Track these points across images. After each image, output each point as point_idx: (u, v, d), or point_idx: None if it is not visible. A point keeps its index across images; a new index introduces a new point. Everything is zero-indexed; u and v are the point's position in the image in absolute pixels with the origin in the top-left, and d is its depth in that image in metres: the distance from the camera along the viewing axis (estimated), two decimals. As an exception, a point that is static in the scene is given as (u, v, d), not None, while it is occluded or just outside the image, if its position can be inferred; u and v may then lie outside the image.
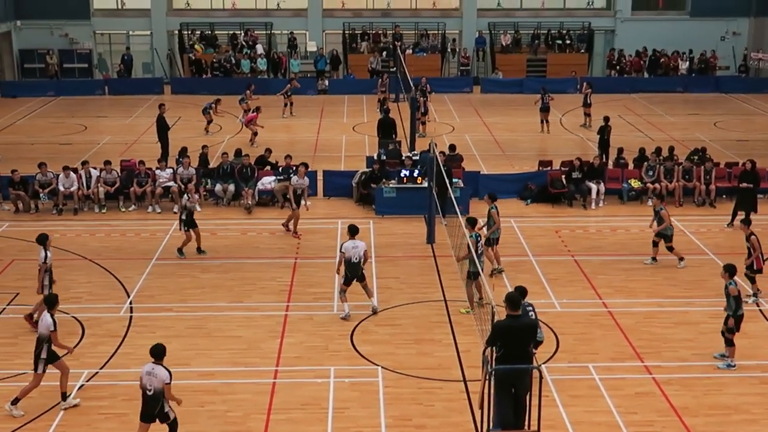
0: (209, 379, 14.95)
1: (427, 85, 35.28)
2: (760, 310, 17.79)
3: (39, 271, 16.42)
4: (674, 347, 16.10)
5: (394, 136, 29.47)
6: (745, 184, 22.88)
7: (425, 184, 22.58)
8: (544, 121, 34.23)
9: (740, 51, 46.94)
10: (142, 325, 17.04)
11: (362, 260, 17.27)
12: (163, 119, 29.44)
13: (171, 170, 24.86)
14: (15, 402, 13.74)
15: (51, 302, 14.14)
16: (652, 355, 15.87)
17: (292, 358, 15.71)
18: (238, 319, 17.32)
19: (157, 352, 12.59)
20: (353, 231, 17.48)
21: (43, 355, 13.68)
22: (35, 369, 13.76)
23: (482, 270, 16.64)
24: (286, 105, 36.96)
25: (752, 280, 18.21)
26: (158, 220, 23.60)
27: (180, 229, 20.61)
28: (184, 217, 20.30)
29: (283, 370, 15.27)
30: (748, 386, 14.76)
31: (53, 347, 13.79)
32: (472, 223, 17.57)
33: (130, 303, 18.09)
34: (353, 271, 17.22)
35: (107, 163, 24.89)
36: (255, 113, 32.81)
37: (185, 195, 20.56)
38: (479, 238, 17.48)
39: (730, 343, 15.34)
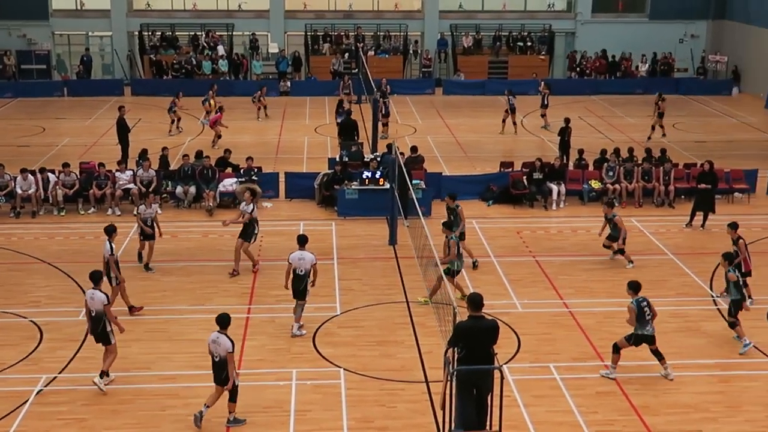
0: (171, 382, 14.84)
1: (388, 87, 35.30)
2: (718, 309, 17.99)
3: None
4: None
5: (356, 137, 29.45)
6: (703, 185, 23.14)
7: (387, 186, 22.60)
8: (512, 123, 34.31)
9: (698, 53, 47.49)
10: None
11: (308, 273, 16.35)
12: (124, 121, 29.17)
13: (131, 172, 24.64)
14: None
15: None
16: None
17: (254, 361, 15.63)
18: (200, 322, 17.18)
19: (222, 322, 13.55)
20: (301, 241, 16.65)
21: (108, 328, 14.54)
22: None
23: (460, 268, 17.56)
24: (259, 108, 36.80)
25: (744, 284, 17.57)
26: (118, 222, 23.17)
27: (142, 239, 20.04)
28: (148, 224, 19.72)
29: (245, 372, 15.17)
30: (708, 385, 14.94)
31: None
32: (448, 226, 17.78)
33: (90, 306, 17.85)
34: (296, 285, 16.37)
35: (66, 165, 24.61)
36: (219, 113, 32.70)
37: (141, 205, 20.14)
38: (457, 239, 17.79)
39: (733, 326, 16.31)
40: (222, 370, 13.37)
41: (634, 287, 15.03)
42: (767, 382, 15.07)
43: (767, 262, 20.65)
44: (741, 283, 16.50)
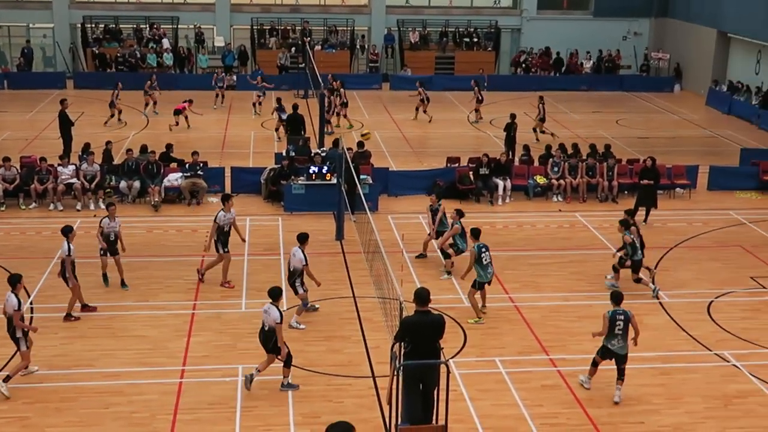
0: (114, 380, 14.66)
1: (336, 82, 35.26)
2: (660, 303, 18.29)
3: None
4: (579, 340, 16.43)
5: (302, 132, 29.33)
6: (645, 181, 23.47)
7: (334, 181, 22.57)
8: (477, 111, 34.79)
9: (641, 50, 48.17)
10: (44, 326, 16.53)
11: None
12: (66, 115, 28.70)
13: (74, 167, 24.27)
14: None
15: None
16: (557, 348, 16.19)
17: (199, 357, 15.52)
18: (144, 319, 17.03)
19: (273, 294, 14.32)
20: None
21: None
22: None
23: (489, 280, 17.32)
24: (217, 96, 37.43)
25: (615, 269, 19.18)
26: (60, 218, 22.98)
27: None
28: (111, 238, 18.43)
29: (190, 369, 15.08)
30: (650, 377, 15.18)
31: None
32: (476, 234, 17.63)
33: (31, 303, 17.60)
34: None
35: (6, 159, 24.12)
36: (186, 103, 33.55)
37: (105, 218, 18.59)
38: (488, 248, 17.45)
39: (639, 281, 18.30)
40: (269, 340, 14.20)
41: (615, 298, 14.38)
42: (706, 374, 15.36)
43: (708, 257, 21.08)
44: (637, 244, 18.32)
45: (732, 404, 14.39)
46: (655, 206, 23.53)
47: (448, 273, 19.45)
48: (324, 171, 23.91)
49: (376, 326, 16.64)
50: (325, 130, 30.80)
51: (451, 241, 19.40)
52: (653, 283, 18.78)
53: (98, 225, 18.51)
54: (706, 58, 43.63)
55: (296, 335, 16.40)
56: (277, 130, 32.65)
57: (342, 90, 34.87)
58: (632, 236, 18.45)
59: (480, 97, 35.75)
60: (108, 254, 18.43)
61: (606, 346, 14.26)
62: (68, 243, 16.78)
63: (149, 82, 35.57)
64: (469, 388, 14.58)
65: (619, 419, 13.79)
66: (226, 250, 18.55)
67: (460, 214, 19.45)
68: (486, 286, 17.49)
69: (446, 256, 19.50)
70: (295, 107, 30.19)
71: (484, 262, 17.18)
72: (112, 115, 33.84)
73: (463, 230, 19.13)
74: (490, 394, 14.49)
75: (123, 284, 18.56)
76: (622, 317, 14.11)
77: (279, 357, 14.28)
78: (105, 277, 18.65)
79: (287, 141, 27.74)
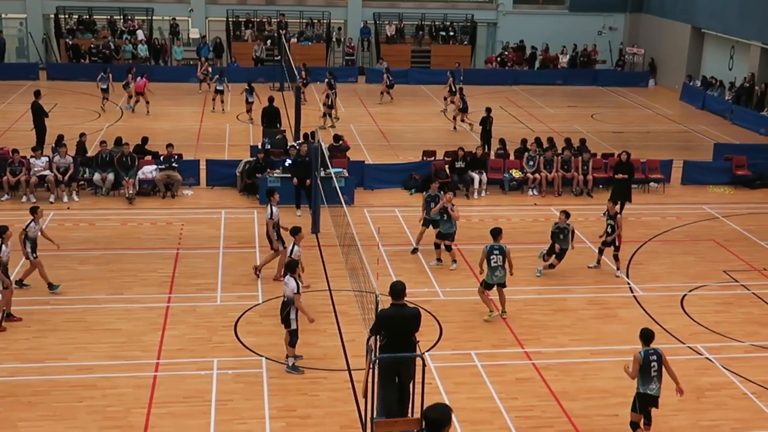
0: (88, 373, 14.55)
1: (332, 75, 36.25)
2: (635, 297, 18.41)
3: None
4: (553, 334, 16.52)
5: (278, 125, 29.23)
6: (620, 175, 23.58)
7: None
8: (446, 99, 35.09)
9: (616, 46, 48.40)
10: (16, 320, 16.42)
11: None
12: (40, 106, 28.44)
13: (47, 159, 24.04)
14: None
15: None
16: (532, 341, 16.25)
17: (174, 351, 15.44)
18: (118, 312, 16.92)
19: (289, 266, 14.66)
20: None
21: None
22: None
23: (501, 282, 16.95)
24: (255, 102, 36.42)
25: (615, 258, 19.58)
26: (33, 210, 22.81)
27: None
28: (28, 248, 17.50)
29: (165, 362, 14.99)
30: (622, 370, 15.22)
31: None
32: (493, 234, 17.21)
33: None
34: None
35: (-22, 151, 23.90)
36: (145, 80, 34.27)
37: (31, 222, 17.69)
38: (502, 250, 16.92)
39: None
40: (283, 309, 14.48)
41: (645, 337, 12.62)
42: (678, 367, 15.16)
43: (681, 251, 21.22)
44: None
45: (705, 396, 14.51)
46: (629, 200, 23.65)
47: (454, 261, 19.68)
48: (287, 165, 23.87)
49: (352, 319, 16.63)
50: (329, 123, 32.05)
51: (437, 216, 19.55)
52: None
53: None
54: (681, 53, 43.93)
55: (271, 329, 16.35)
56: (248, 111, 33.28)
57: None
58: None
59: (453, 89, 35.82)
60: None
61: (644, 393, 12.59)
62: (2, 243, 16.24)
63: (129, 75, 35.10)
64: (445, 381, 14.60)
65: (594, 412, 13.87)
66: (284, 245, 18.12)
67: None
68: (500, 289, 17.02)
69: (448, 248, 19.57)
70: (271, 99, 30.08)
71: (492, 264, 16.77)
72: (130, 96, 34.71)
73: (449, 215, 19.32)
74: (465, 387, 14.52)
75: (51, 286, 17.67)
76: (655, 357, 12.45)
77: (287, 329, 14.48)
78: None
79: (263, 134, 27.62)
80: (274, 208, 18.25)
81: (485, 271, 16.99)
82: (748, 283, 19.35)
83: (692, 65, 43.30)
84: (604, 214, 19.89)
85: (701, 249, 21.33)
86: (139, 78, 34.76)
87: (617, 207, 19.47)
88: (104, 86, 34.60)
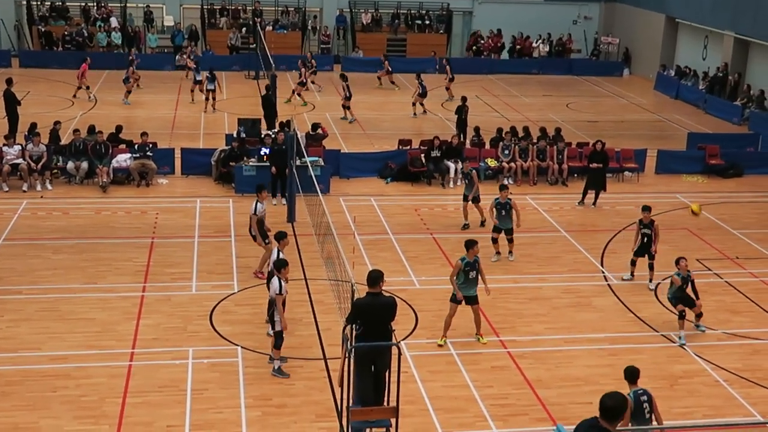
0: (62, 363, 14.47)
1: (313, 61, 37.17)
2: (609, 285, 18.53)
3: None
4: (528, 322, 16.60)
5: (275, 114, 28.69)
6: (595, 164, 23.69)
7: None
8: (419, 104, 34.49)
9: (591, 35, 48.54)
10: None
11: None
12: (12, 94, 28.13)
13: (20, 147, 23.81)
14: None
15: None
16: (507, 330, 16.32)
17: (149, 340, 15.38)
18: (93, 301, 16.82)
19: (276, 265, 14.41)
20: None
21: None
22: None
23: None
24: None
25: (650, 267, 18.31)
26: (6, 198, 22.61)
27: None
28: None
29: (140, 352, 14.94)
30: (597, 358, 15.38)
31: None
32: (466, 246, 15.64)
33: (-24, 286, 17.29)
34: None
35: (-50, 139, 23.62)
36: (85, 63, 34.06)
37: None
38: (474, 263, 15.59)
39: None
40: (269, 309, 14.57)
41: (631, 375, 11.70)
42: (652, 354, 15.60)
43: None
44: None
45: (678, 384, 14.65)
46: (604, 189, 23.78)
47: (509, 252, 19.73)
48: (261, 153, 23.81)
49: (328, 308, 16.62)
50: (346, 117, 32.21)
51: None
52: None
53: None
54: (655, 43, 44.14)
55: (246, 318, 16.33)
56: (192, 91, 33.15)
57: (304, 70, 35.54)
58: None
59: (451, 77, 36.07)
60: None
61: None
62: None
63: (130, 68, 34.24)
64: (421, 369, 14.65)
65: (568, 400, 13.96)
66: (267, 241, 17.86)
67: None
68: (474, 307, 15.64)
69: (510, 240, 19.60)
70: (268, 88, 29.34)
71: (470, 278, 15.56)
72: (129, 91, 33.70)
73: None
74: (440, 375, 14.57)
75: None
76: (645, 398, 11.49)
77: (272, 329, 14.41)
78: None
79: (238, 122, 27.48)
80: (260, 205, 17.88)
81: (456, 286, 15.55)
82: (721, 272, 19.52)
83: (666, 55, 43.52)
84: (639, 223, 18.49)
85: (675, 238, 21.48)
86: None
87: (650, 215, 18.34)
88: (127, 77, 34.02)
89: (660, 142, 30.31)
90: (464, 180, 22.02)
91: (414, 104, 33.82)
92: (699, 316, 16.51)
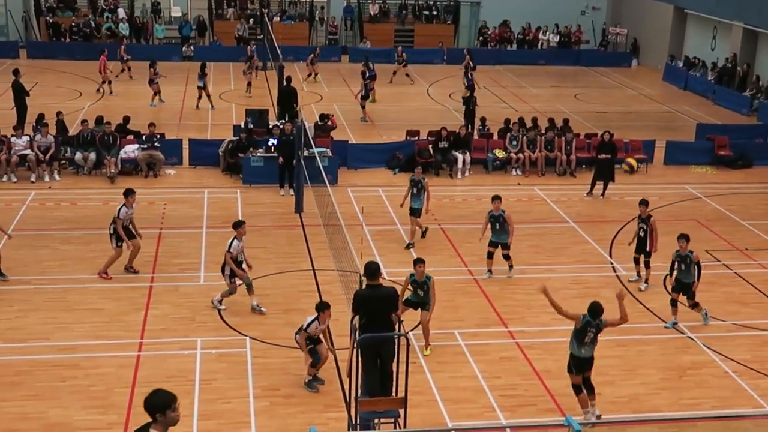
0: (70, 353, 14.50)
1: (403, 54, 38.01)
2: (617, 276, 18.48)
3: None
4: (536, 313, 16.56)
5: (295, 105, 28.20)
6: (603, 155, 23.63)
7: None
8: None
9: (600, 26, 48.35)
10: (-2, 299, 16.37)
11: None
12: (21, 84, 28.16)
13: (28, 138, 23.83)
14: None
15: None
16: (515, 320, 16.30)
17: (157, 330, 15.40)
18: (101, 292, 16.85)
19: (234, 225, 15.98)
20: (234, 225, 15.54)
21: None
22: None
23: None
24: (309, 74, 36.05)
25: (646, 265, 17.92)
26: (14, 189, 22.66)
27: None
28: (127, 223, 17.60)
29: (148, 342, 14.96)
30: (606, 349, 15.30)
31: None
32: (423, 262, 14.94)
33: (-15, 276, 17.31)
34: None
35: (-43, 129, 23.63)
36: (103, 56, 33.71)
37: (124, 208, 17.44)
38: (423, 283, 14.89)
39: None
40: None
41: (594, 312, 12.83)
42: (660, 346, 15.58)
43: (663, 230, 21.16)
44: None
45: (686, 375, 14.62)
46: (612, 180, 23.72)
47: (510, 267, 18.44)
48: (269, 144, 23.78)
49: (336, 299, 16.55)
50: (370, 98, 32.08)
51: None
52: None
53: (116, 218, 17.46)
54: (663, 33, 43.94)
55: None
56: (200, 95, 32.19)
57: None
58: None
59: (472, 65, 35.86)
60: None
61: (572, 353, 13.00)
62: None
63: (152, 69, 32.99)
64: (428, 360, 14.64)
65: (576, 390, 13.92)
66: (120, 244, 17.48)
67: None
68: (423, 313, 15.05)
69: (506, 257, 18.18)
70: (288, 80, 29.26)
71: (417, 293, 14.97)
72: (155, 93, 32.57)
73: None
74: (449, 366, 14.56)
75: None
76: (594, 330, 12.82)
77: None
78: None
79: (245, 113, 27.45)
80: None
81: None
82: (730, 263, 19.47)
83: (675, 45, 43.34)
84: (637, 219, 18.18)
85: (683, 229, 21.22)
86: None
87: (648, 209, 17.88)
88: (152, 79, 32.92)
89: (668, 133, 30.20)
90: (412, 189, 19.50)
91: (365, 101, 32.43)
92: (694, 306, 16.21)
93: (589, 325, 12.77)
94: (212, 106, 32.05)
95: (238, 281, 16.14)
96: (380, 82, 34.89)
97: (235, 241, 16.01)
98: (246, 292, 16.25)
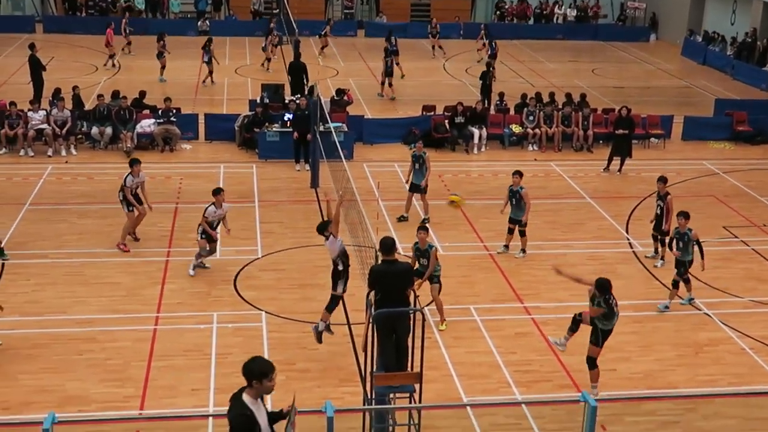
0: (87, 326, 14.58)
1: (437, 26, 38.74)
2: (634, 252, 18.40)
3: None
4: (552, 288, 16.51)
5: (305, 80, 28.34)
6: (620, 130, 23.48)
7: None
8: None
9: (618, 0, 47.93)
10: (16, 272, 16.44)
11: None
12: (37, 59, 28.21)
13: (44, 112, 23.89)
14: None
15: None
16: (531, 296, 16.27)
17: (173, 305, 15.45)
18: (118, 266, 16.91)
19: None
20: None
21: None
22: None
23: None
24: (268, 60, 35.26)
25: (662, 243, 17.70)
26: (31, 163, 22.74)
27: None
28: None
29: (165, 316, 15.02)
30: (622, 325, 15.17)
31: None
32: (426, 230, 15.16)
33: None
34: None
35: (-26, 104, 23.69)
36: (109, 29, 33.90)
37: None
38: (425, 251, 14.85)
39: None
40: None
41: (602, 287, 12.60)
42: (676, 323, 15.51)
43: (681, 206, 21.00)
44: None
45: (702, 352, 14.56)
46: (629, 156, 23.58)
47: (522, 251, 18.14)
48: (285, 119, 23.75)
49: (351, 274, 16.54)
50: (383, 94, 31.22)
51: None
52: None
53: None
54: (682, 8, 43.54)
55: (270, 283, 16.38)
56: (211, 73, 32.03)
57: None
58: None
59: (486, 42, 35.91)
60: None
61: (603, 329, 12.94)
62: None
63: (160, 43, 32.79)
64: (444, 335, 14.64)
65: (592, 366, 13.89)
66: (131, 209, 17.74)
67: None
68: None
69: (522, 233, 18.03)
70: (298, 55, 29.21)
71: (419, 263, 15.00)
72: (163, 66, 32.40)
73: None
74: (464, 341, 14.56)
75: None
76: (613, 301, 12.77)
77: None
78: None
79: (261, 88, 27.41)
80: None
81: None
82: (748, 239, 19.35)
83: (694, 20, 42.94)
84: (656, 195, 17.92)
85: (701, 205, 21.29)
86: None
87: (666, 186, 17.58)
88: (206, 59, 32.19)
89: (687, 108, 29.96)
90: (414, 164, 19.31)
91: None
92: (685, 282, 15.90)
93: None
94: (212, 81, 31.85)
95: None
96: (414, 56, 34.65)
97: (212, 207, 16.48)
98: (259, 267, 16.09)
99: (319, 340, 13.94)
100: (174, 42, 37.14)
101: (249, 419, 7.75)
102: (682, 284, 15.91)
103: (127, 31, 36.36)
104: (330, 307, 13.97)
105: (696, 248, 15.64)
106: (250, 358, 7.98)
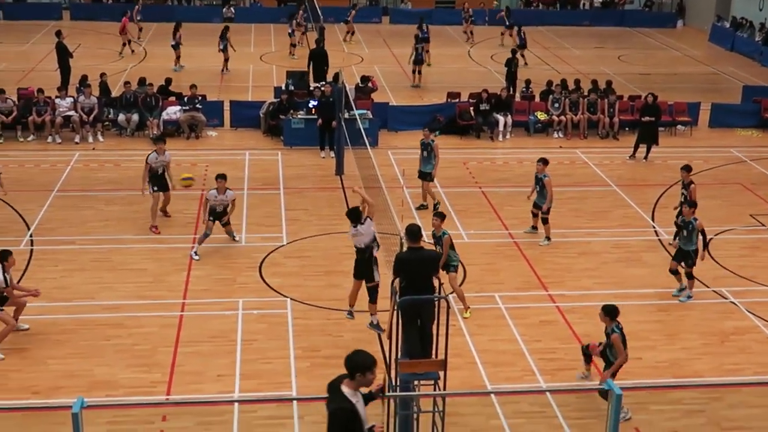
0: (115, 312, 14.71)
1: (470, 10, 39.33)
2: (659, 240, 18.31)
3: None
4: (577, 276, 16.49)
5: (326, 68, 28.21)
6: (647, 118, 23.33)
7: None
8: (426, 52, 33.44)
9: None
10: (44, 258, 16.63)
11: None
12: (65, 46, 28.39)
13: (72, 99, 24.07)
14: None
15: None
16: (555, 284, 16.24)
17: (199, 291, 15.56)
18: (144, 252, 17.05)
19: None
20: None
21: None
22: None
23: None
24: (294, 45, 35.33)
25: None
26: (59, 150, 22.93)
27: None
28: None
29: (191, 302, 15.13)
30: (647, 314, 15.25)
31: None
32: (441, 217, 14.97)
33: (31, 236, 17.59)
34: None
35: (1, 91, 23.85)
36: (125, 17, 34.07)
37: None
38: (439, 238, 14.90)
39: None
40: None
41: (610, 312, 12.25)
42: (702, 311, 15.43)
43: (708, 194, 20.98)
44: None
45: (728, 341, 14.48)
46: (656, 143, 23.43)
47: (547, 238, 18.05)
48: (310, 106, 23.78)
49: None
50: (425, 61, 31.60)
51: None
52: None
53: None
54: (710, -7, 43.13)
55: (295, 270, 16.45)
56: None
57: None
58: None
59: (508, 23, 36.12)
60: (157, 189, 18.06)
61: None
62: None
63: (178, 34, 32.50)
64: (468, 323, 14.66)
65: (616, 355, 13.86)
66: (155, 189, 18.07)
67: None
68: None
69: (545, 221, 17.97)
70: (318, 42, 29.22)
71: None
72: (178, 57, 32.39)
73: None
74: (488, 329, 14.57)
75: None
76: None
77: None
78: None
79: (286, 75, 27.45)
80: (213, 192, 17.02)
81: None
82: (775, 228, 19.21)
83: (721, 6, 42.50)
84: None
85: (728, 193, 21.14)
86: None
87: (690, 175, 17.44)
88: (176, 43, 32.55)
89: (714, 95, 29.70)
90: (422, 152, 19.19)
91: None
92: (689, 276, 15.64)
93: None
94: (227, 69, 31.80)
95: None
96: (439, 43, 34.59)
97: (213, 191, 16.97)
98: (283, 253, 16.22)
99: (380, 329, 14.02)
100: (200, 29, 37.32)
101: (350, 412, 7.75)
102: (681, 272, 15.73)
103: (138, 18, 36.51)
104: (374, 298, 14.09)
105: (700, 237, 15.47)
106: (353, 351, 7.99)
